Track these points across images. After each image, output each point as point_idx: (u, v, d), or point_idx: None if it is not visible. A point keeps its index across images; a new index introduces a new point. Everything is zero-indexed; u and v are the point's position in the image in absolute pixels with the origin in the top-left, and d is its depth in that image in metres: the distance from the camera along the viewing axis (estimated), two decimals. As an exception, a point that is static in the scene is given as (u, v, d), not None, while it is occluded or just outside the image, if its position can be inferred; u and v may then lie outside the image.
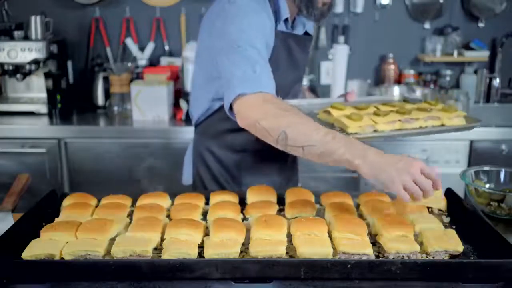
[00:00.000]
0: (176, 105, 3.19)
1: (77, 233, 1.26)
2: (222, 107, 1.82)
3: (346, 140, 1.32)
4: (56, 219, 1.38)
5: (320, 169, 3.04)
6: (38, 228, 1.29)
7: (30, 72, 3.11)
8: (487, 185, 1.74)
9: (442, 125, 1.67)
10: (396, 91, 3.39)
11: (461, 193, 1.59)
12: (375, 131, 1.57)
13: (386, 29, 3.61)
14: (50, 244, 1.22)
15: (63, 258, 1.19)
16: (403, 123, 1.62)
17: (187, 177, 2.03)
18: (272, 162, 1.95)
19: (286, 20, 1.74)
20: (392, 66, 3.60)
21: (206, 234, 1.31)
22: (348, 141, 1.32)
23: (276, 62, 1.71)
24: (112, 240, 1.25)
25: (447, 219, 1.46)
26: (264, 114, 1.41)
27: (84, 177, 3.01)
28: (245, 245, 1.25)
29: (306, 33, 1.87)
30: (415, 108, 1.71)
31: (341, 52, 3.37)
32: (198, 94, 1.89)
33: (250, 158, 1.91)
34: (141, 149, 2.99)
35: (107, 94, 3.26)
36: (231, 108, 1.51)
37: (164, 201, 1.51)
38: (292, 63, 1.80)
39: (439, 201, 1.47)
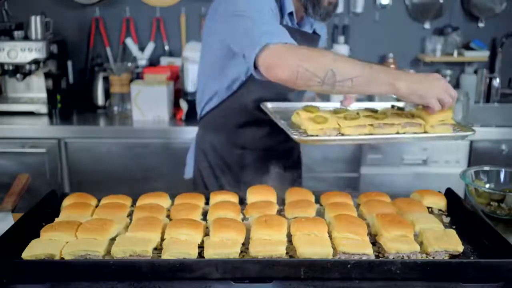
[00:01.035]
0: (176, 105, 3.19)
1: (77, 233, 1.26)
2: (227, 99, 1.81)
3: (382, 67, 1.48)
4: (56, 219, 1.37)
5: (320, 169, 3.05)
6: (38, 228, 1.29)
7: (30, 72, 3.11)
8: (487, 185, 1.74)
9: (424, 132, 1.55)
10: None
11: (461, 193, 1.58)
12: (342, 135, 1.50)
13: (386, 29, 3.62)
14: (50, 244, 1.22)
15: (63, 258, 1.19)
16: (375, 128, 1.52)
17: (188, 172, 2.03)
18: (274, 161, 1.95)
19: (291, 15, 1.74)
20: (392, 66, 3.59)
21: (206, 234, 1.31)
22: (384, 68, 1.48)
23: None
24: (112, 240, 1.25)
25: (447, 219, 1.46)
26: (303, 56, 1.42)
27: (84, 177, 3.01)
28: (245, 245, 1.25)
29: (314, 33, 1.87)
30: (394, 113, 1.60)
31: (341, 52, 3.38)
32: (204, 82, 1.89)
33: (252, 156, 1.91)
34: (141, 149, 2.99)
35: (107, 94, 3.27)
36: (255, 67, 1.48)
37: (164, 201, 1.51)
38: None
39: (449, 114, 1.54)
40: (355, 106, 1.67)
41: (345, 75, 1.41)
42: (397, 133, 1.54)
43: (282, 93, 1.82)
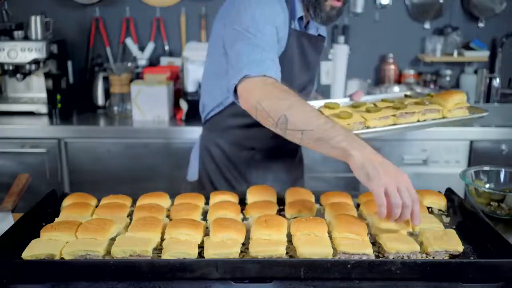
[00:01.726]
0: (176, 105, 3.19)
1: (77, 233, 1.26)
2: (234, 102, 1.82)
3: (345, 130, 1.32)
4: (56, 219, 1.38)
5: (320, 169, 3.05)
6: (38, 228, 1.29)
7: (30, 72, 3.12)
8: (487, 185, 1.74)
9: (443, 117, 1.62)
10: (396, 91, 3.39)
11: (461, 193, 1.58)
12: (367, 127, 1.53)
13: (386, 29, 3.62)
14: (50, 244, 1.22)
15: (63, 258, 1.19)
16: (398, 118, 1.57)
17: (192, 173, 2.03)
18: (280, 161, 1.95)
19: (300, 19, 1.75)
20: (392, 66, 3.60)
21: (206, 234, 1.31)
22: (347, 132, 1.31)
23: (290, 61, 1.72)
24: (112, 240, 1.25)
25: (447, 219, 1.46)
26: (266, 95, 1.42)
27: (84, 177, 3.01)
28: (245, 245, 1.25)
29: (319, 35, 1.88)
30: (412, 102, 1.66)
31: (341, 52, 3.37)
32: (210, 88, 1.89)
33: (259, 156, 1.91)
34: (141, 149, 2.99)
35: (107, 94, 3.26)
36: (235, 91, 1.52)
37: (164, 201, 1.51)
38: (305, 63, 1.81)
39: (464, 97, 1.54)
40: (365, 99, 1.74)
41: (296, 125, 1.35)
42: (418, 121, 1.59)
43: None
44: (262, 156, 1.91)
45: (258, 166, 1.92)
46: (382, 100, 1.71)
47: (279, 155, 1.93)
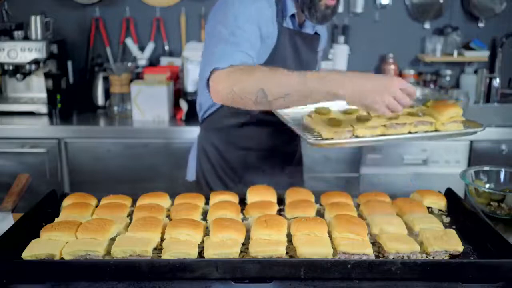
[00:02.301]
0: (176, 105, 3.19)
1: (77, 233, 1.26)
2: None
3: (320, 75, 1.37)
4: (56, 219, 1.37)
5: (320, 169, 3.05)
6: (38, 228, 1.29)
7: (30, 72, 3.12)
8: (487, 185, 1.74)
9: (436, 130, 1.57)
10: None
11: (461, 193, 1.58)
12: (356, 136, 1.52)
13: (386, 29, 3.62)
14: (50, 244, 1.22)
15: (63, 258, 1.19)
16: (388, 129, 1.54)
17: (191, 174, 2.03)
18: (276, 161, 1.95)
19: (293, 17, 1.74)
20: (392, 66, 3.60)
21: (206, 234, 1.31)
22: (322, 76, 1.37)
23: (282, 60, 1.71)
24: (112, 240, 1.25)
25: (447, 219, 1.46)
26: (234, 80, 1.44)
27: (84, 177, 3.01)
28: (245, 245, 1.25)
29: (315, 33, 1.87)
30: (405, 112, 1.60)
31: (341, 52, 3.38)
32: (204, 87, 1.89)
33: (255, 156, 1.90)
34: (141, 149, 2.99)
35: (107, 94, 3.26)
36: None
37: (164, 201, 1.51)
38: (299, 62, 1.80)
39: (459, 111, 1.52)
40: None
41: (275, 94, 1.40)
42: (409, 132, 1.55)
43: None
44: (257, 157, 1.91)
45: (254, 167, 1.91)
46: None
47: (275, 156, 1.93)
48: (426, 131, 1.57)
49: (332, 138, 1.49)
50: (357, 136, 1.52)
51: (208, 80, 1.53)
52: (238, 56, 1.52)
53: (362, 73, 1.37)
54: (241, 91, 1.42)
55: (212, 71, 1.50)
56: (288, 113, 1.71)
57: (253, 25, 1.60)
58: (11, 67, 3.08)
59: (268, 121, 1.79)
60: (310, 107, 1.69)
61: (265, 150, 1.91)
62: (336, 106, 1.75)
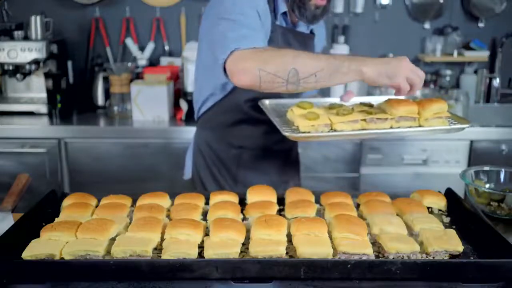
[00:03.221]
0: (176, 105, 3.19)
1: (77, 233, 1.26)
2: (223, 98, 1.81)
3: (345, 56, 1.45)
4: (56, 219, 1.37)
5: (320, 169, 3.05)
6: (38, 228, 1.29)
7: (30, 72, 3.12)
8: (487, 185, 1.74)
9: (420, 126, 1.52)
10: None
11: (461, 193, 1.58)
12: (334, 130, 1.48)
13: (386, 29, 3.62)
14: (50, 244, 1.22)
15: (63, 258, 1.19)
16: (368, 123, 1.50)
17: (187, 172, 2.03)
18: (271, 160, 1.94)
19: (285, 15, 1.74)
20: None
21: (206, 234, 1.31)
22: (347, 57, 1.45)
23: None
24: (112, 240, 1.25)
25: (447, 219, 1.46)
26: (264, 60, 1.43)
27: (84, 177, 3.02)
28: (245, 245, 1.25)
29: (311, 32, 1.87)
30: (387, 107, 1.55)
31: (341, 52, 3.37)
32: (199, 82, 1.89)
33: (249, 155, 1.90)
34: (141, 149, 2.99)
35: (107, 94, 3.27)
36: (225, 71, 1.50)
37: (164, 201, 1.51)
38: None
39: (444, 106, 1.51)
40: (354, 100, 1.63)
41: (307, 71, 1.41)
42: (391, 127, 1.51)
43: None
44: (251, 155, 1.90)
45: (248, 166, 1.91)
46: (361, 103, 1.61)
47: (269, 155, 1.92)
48: (409, 127, 1.51)
49: (309, 132, 1.47)
50: (335, 130, 1.49)
51: (225, 64, 1.48)
52: (259, 37, 1.52)
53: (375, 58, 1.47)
54: (272, 69, 1.41)
55: (232, 53, 1.46)
56: (276, 108, 1.70)
57: (254, 11, 1.59)
58: (11, 67, 3.08)
59: (261, 119, 1.79)
60: (296, 101, 1.66)
61: (259, 148, 1.90)
62: (323, 100, 1.76)
